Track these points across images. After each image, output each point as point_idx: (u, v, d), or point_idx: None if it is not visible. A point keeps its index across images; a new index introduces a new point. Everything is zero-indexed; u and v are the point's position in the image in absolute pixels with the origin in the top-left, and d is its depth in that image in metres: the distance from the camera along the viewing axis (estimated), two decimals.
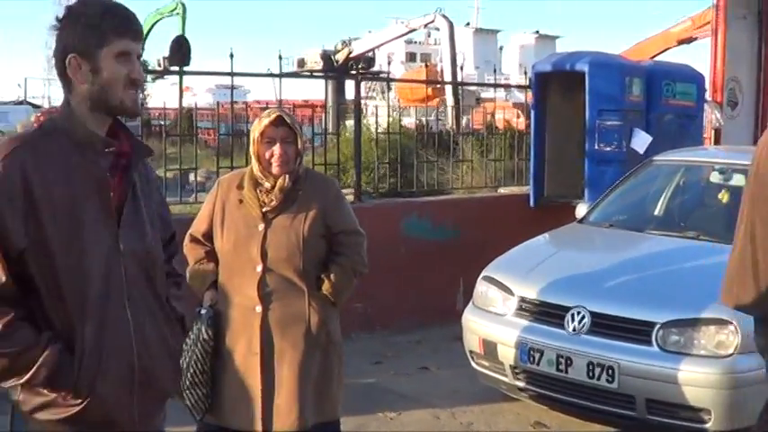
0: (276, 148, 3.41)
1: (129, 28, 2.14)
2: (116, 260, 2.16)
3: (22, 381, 2.09)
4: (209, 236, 3.57)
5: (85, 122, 2.16)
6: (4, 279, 2.06)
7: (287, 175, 3.44)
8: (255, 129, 3.46)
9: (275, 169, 3.43)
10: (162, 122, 8.90)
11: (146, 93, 43.95)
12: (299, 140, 3.46)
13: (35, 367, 2.07)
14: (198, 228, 3.61)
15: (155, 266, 2.29)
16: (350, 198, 6.60)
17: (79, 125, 2.16)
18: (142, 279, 2.24)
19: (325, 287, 3.47)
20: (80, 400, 2.10)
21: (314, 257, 3.46)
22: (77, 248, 2.09)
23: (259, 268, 3.39)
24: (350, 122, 12.90)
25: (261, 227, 3.43)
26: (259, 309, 3.40)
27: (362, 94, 7.73)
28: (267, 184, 3.45)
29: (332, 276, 3.46)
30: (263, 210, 3.45)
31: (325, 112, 9.09)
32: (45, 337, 2.09)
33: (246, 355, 3.40)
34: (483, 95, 33.89)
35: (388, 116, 8.89)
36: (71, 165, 2.12)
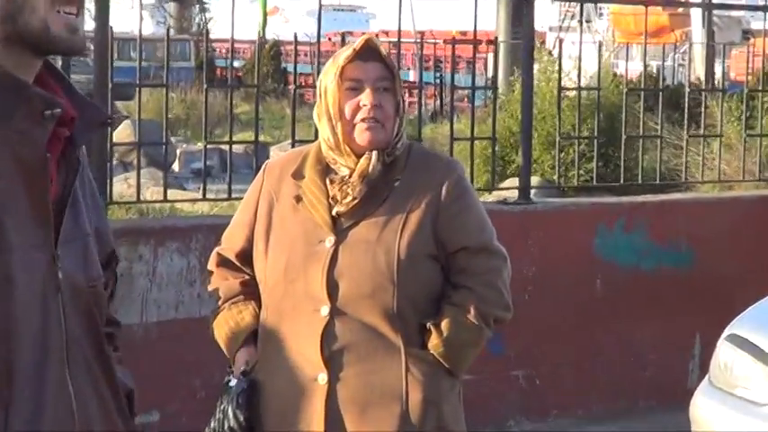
0: (366, 96, 3.21)
1: None
2: (53, 298, 2.09)
3: None
4: (246, 256, 3.41)
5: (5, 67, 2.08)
6: None
7: (376, 153, 3.23)
8: (328, 72, 3.27)
9: (364, 134, 3.23)
10: (230, 64, 8.91)
11: (207, 16, 42.55)
12: (398, 89, 3.30)
13: None
14: (230, 242, 3.46)
15: (101, 309, 2.25)
16: (511, 195, 6.19)
17: None
18: (84, 328, 2.17)
19: (433, 343, 3.27)
20: None
21: (416, 293, 3.28)
22: (0, 278, 2.02)
23: (325, 310, 3.23)
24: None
25: (329, 241, 3.25)
26: (324, 378, 3.25)
27: (555, 23, 7.31)
28: (344, 170, 3.27)
29: (444, 325, 3.26)
30: (335, 211, 3.26)
31: (505, 51, 8.81)
32: None
33: None
34: (753, 26, 33.01)
35: (599, 58, 8.01)
36: None
